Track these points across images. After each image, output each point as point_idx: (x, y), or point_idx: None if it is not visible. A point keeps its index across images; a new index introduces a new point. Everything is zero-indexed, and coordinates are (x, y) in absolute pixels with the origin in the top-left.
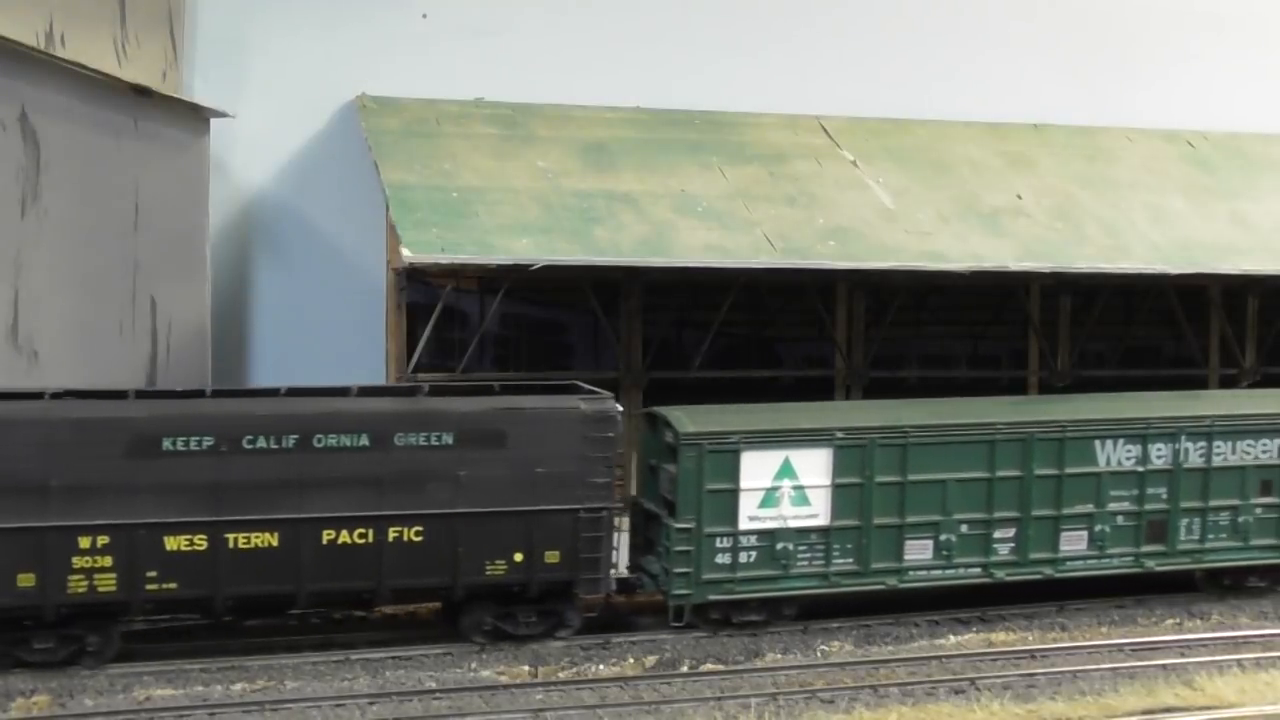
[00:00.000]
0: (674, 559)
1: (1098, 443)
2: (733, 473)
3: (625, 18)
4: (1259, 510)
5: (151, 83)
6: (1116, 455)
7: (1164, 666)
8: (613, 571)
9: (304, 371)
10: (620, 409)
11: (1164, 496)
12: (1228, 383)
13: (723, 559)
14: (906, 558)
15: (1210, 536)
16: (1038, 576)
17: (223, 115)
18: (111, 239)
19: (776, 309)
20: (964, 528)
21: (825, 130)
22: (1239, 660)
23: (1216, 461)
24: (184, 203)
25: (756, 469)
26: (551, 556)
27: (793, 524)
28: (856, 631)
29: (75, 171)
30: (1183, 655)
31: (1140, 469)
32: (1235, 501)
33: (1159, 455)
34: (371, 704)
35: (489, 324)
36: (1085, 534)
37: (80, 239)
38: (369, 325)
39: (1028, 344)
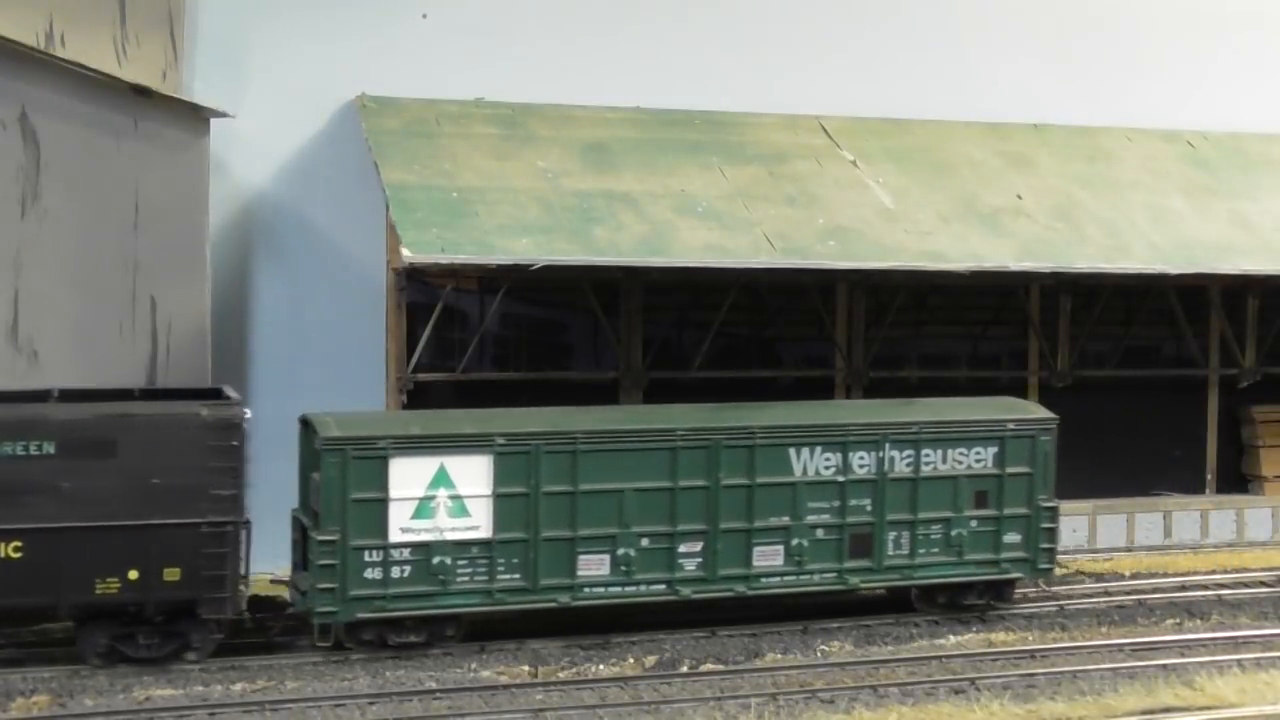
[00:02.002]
0: (317, 574)
1: (792, 450)
2: (381, 481)
3: (625, 18)
4: (974, 523)
5: (151, 83)
6: (814, 464)
7: (1164, 666)
8: (243, 589)
9: (304, 371)
10: (248, 415)
11: (868, 508)
12: (1228, 383)
13: (373, 574)
14: (580, 573)
15: (921, 551)
16: (729, 594)
17: (223, 115)
18: (111, 239)
19: (776, 309)
20: (644, 541)
21: (825, 130)
22: (1239, 660)
23: (926, 471)
24: (184, 203)
25: (408, 477)
26: (171, 574)
27: (450, 537)
28: (856, 631)
29: (75, 171)
30: (1183, 655)
31: (841, 479)
32: (947, 514)
33: (861, 464)
34: (371, 704)
35: (489, 324)
36: (781, 549)
37: (80, 239)
38: (369, 325)
39: (1028, 344)
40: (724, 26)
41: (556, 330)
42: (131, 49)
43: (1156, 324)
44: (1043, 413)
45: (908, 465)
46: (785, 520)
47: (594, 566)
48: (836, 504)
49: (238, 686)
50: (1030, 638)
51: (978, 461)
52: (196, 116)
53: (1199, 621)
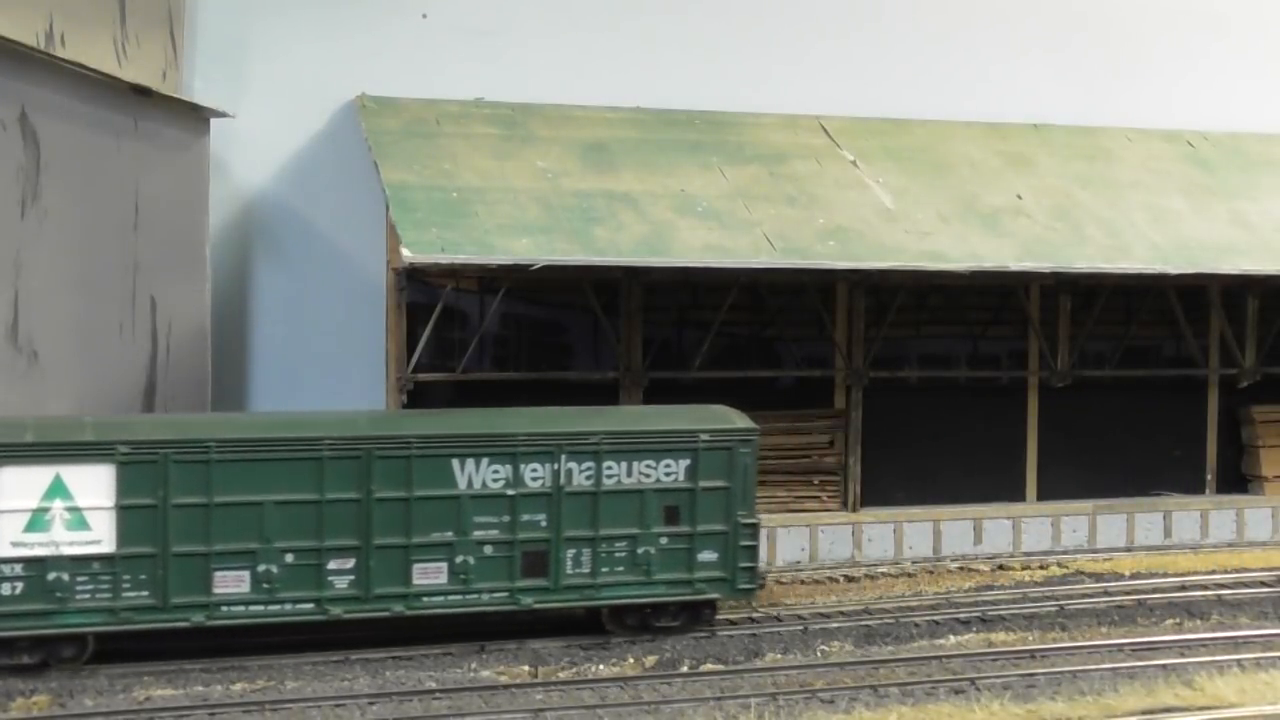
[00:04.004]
0: None
1: (455, 461)
2: None
3: (625, 18)
4: (664, 540)
5: (151, 83)
6: (480, 476)
7: (1164, 666)
8: None
9: (304, 371)
10: None
11: (543, 524)
12: (1228, 383)
13: None
14: (217, 591)
15: (604, 570)
16: (386, 614)
17: (223, 115)
18: (111, 239)
19: (776, 309)
20: (289, 557)
21: (825, 130)
22: (1239, 660)
23: (608, 484)
24: (184, 203)
25: (19, 487)
26: None
27: (68, 551)
28: (856, 631)
29: (75, 171)
30: (1183, 655)
31: (511, 492)
32: (634, 530)
33: (534, 476)
34: (371, 704)
35: (489, 324)
36: (445, 566)
37: (80, 239)
38: (369, 325)
39: (1028, 344)
40: (724, 26)
41: (556, 330)
42: (131, 49)
43: (1156, 324)
44: (743, 423)
45: (587, 478)
46: (449, 536)
47: (232, 584)
48: (507, 519)
49: (238, 686)
50: (1030, 638)
51: (668, 475)
52: (196, 116)
53: (1199, 621)
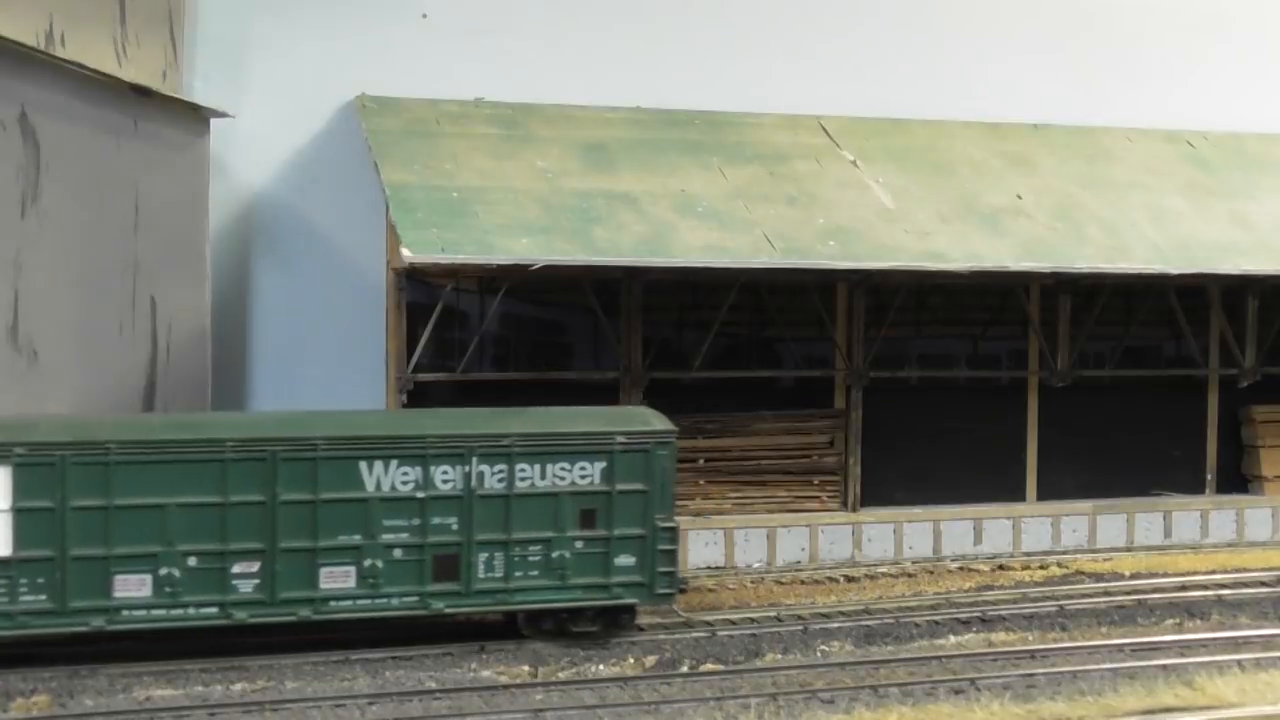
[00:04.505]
0: None
1: (363, 464)
2: None
3: (625, 18)
4: (579, 544)
5: (151, 83)
6: (389, 478)
7: (1164, 667)
8: None
9: (304, 371)
10: None
11: (454, 527)
12: (1228, 383)
13: None
14: (117, 595)
15: (518, 574)
16: (292, 618)
17: (223, 115)
18: (111, 239)
19: (776, 309)
20: (192, 561)
21: (825, 130)
22: (1239, 660)
23: (521, 487)
24: (184, 203)
25: None
26: None
27: None
28: (856, 631)
29: (75, 171)
30: (1183, 655)
31: (421, 495)
32: (548, 534)
33: (445, 479)
34: (371, 704)
35: (489, 324)
36: (353, 570)
37: (80, 239)
38: (369, 325)
39: (1028, 344)
40: (724, 26)
41: (556, 330)
42: (131, 49)
43: (1156, 324)
44: (661, 424)
45: (500, 481)
46: (357, 539)
47: (133, 587)
48: (417, 522)
49: (238, 686)
50: (1030, 638)
51: (583, 477)
52: (196, 116)
53: (1199, 621)
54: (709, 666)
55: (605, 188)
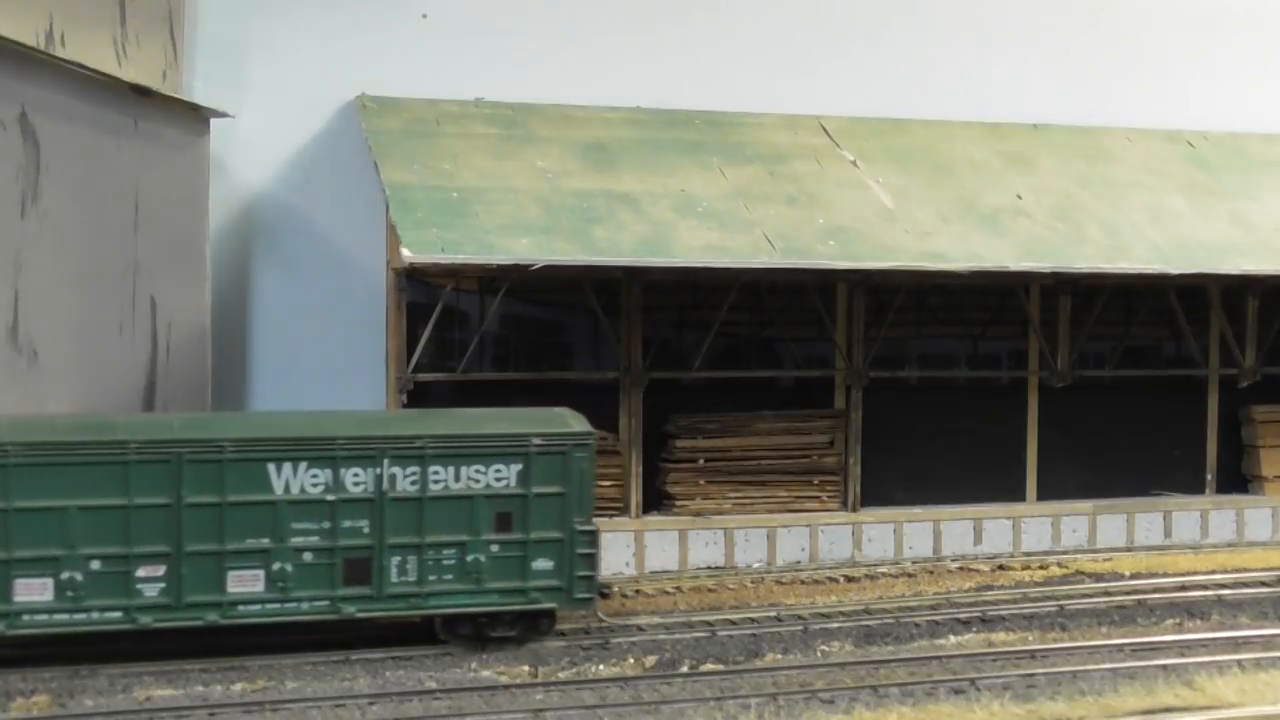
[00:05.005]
0: None
1: (272, 466)
2: None
3: (625, 18)
4: (495, 548)
5: (151, 83)
6: (299, 481)
7: (1164, 666)
8: None
9: (304, 372)
10: None
11: (365, 530)
12: (1228, 383)
13: None
14: (17, 599)
15: (432, 578)
16: (199, 623)
17: (223, 115)
18: (111, 239)
19: (776, 309)
20: (95, 564)
21: (825, 130)
22: (1239, 660)
23: (435, 490)
24: (184, 203)
25: None
26: None
27: None
28: (856, 631)
29: (75, 171)
30: (1183, 655)
31: (331, 497)
32: (463, 537)
33: (356, 481)
34: (371, 704)
35: (489, 324)
36: (262, 574)
37: (80, 239)
38: (369, 325)
39: (1028, 344)
40: (724, 26)
41: (556, 330)
42: (131, 49)
43: (1156, 324)
44: (579, 426)
45: (412, 483)
46: (265, 543)
47: (35, 591)
48: (327, 525)
49: (238, 686)
50: (1030, 638)
51: (498, 480)
52: (196, 116)
53: (1199, 621)
54: (709, 666)
55: (605, 188)
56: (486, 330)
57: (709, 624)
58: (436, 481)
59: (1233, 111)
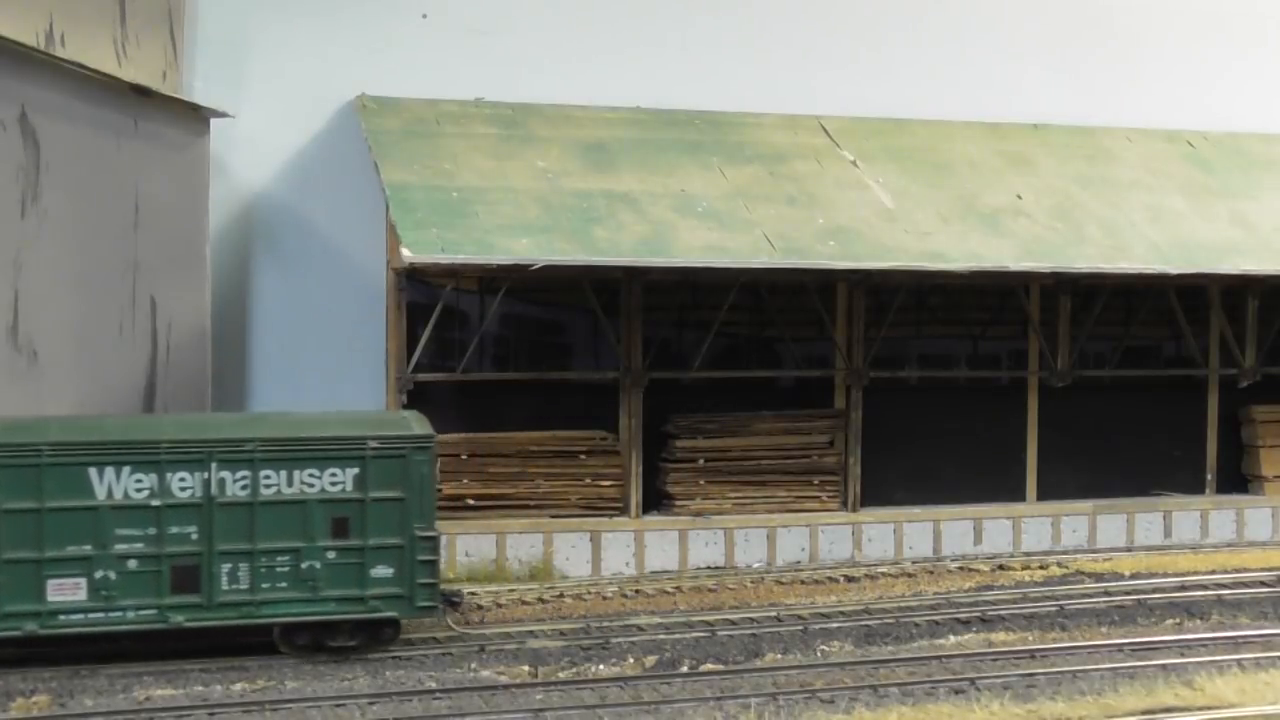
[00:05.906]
0: None
1: (93, 470)
2: None
3: (625, 18)
4: (331, 555)
5: (151, 83)
6: (122, 485)
7: (1164, 666)
8: None
9: (304, 371)
10: None
11: (194, 537)
12: (1228, 383)
13: None
14: None
15: (265, 586)
16: (17, 633)
17: (223, 115)
18: (111, 239)
19: (776, 309)
20: None
21: (825, 130)
22: (1239, 660)
23: (267, 494)
24: (184, 203)
25: None
26: None
27: None
28: (856, 631)
29: (75, 171)
30: (1183, 655)
31: (156, 503)
32: (298, 544)
33: (183, 486)
34: (371, 704)
35: (489, 324)
36: (84, 582)
37: (80, 239)
38: (369, 325)
39: (1028, 344)
40: (724, 26)
41: (556, 330)
42: (131, 49)
43: (1156, 324)
44: (420, 429)
45: (243, 488)
46: (87, 550)
47: None
48: (153, 532)
49: (238, 686)
50: (1030, 638)
51: (334, 484)
52: (196, 116)
53: (1199, 621)
54: (709, 666)
55: (605, 188)
56: (486, 330)
57: (709, 624)
58: (268, 486)
59: (1233, 111)
